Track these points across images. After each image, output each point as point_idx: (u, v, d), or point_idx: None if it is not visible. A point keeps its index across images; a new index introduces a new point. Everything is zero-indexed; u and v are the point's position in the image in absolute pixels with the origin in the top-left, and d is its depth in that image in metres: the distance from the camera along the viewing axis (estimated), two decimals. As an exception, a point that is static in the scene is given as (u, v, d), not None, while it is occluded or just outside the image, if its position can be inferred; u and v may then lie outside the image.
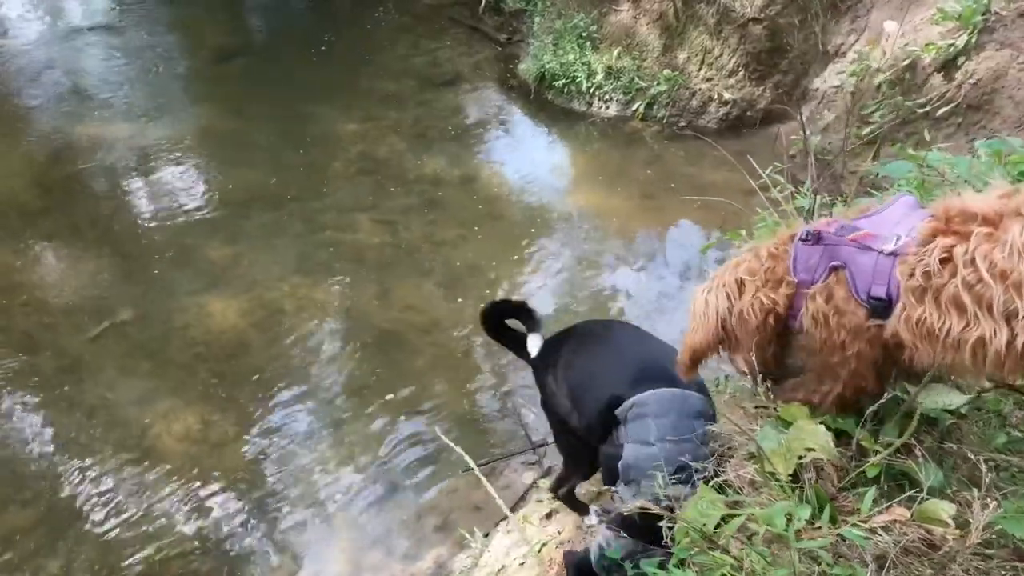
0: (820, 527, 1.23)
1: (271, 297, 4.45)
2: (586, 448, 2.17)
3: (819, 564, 1.18)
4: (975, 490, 1.28)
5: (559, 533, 2.39)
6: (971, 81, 4.43)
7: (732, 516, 1.32)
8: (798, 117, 4.46)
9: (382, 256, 4.80)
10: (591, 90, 6.52)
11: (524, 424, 3.52)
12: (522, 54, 7.33)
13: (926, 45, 4.67)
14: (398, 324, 4.26)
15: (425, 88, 6.98)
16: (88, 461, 3.55)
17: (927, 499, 1.29)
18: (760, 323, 1.55)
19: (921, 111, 4.64)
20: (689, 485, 1.65)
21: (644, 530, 1.71)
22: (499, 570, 2.42)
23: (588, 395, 2.09)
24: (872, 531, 1.24)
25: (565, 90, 6.62)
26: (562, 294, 4.53)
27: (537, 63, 6.74)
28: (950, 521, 1.24)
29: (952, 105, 4.50)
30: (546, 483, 2.73)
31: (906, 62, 4.76)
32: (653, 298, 4.57)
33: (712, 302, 1.62)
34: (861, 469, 1.39)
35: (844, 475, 1.45)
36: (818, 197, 3.55)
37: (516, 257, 4.83)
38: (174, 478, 3.45)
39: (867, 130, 4.86)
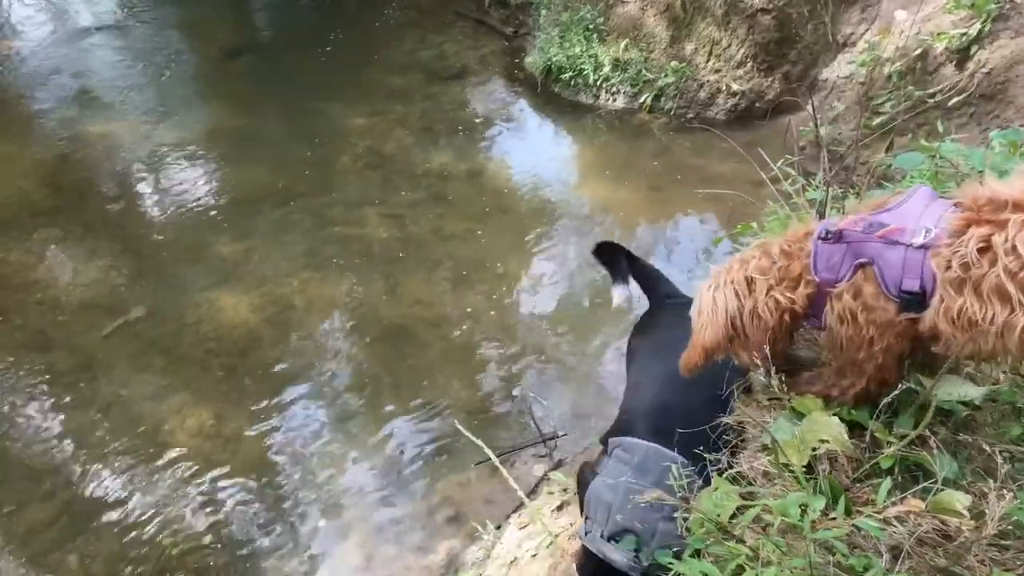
0: (835, 518, 1.23)
1: (281, 292, 4.47)
2: None
3: (834, 555, 1.19)
4: (990, 481, 1.28)
5: (571, 525, 2.40)
6: (984, 70, 4.38)
7: (747, 507, 1.32)
8: (808, 108, 4.44)
9: (390, 250, 4.81)
10: (598, 82, 6.50)
11: (534, 417, 3.53)
12: (528, 47, 7.31)
13: (938, 34, 4.62)
14: (407, 318, 4.28)
15: (432, 82, 6.98)
16: (104, 457, 3.59)
17: (942, 490, 1.29)
18: (776, 322, 1.54)
19: (933, 101, 4.60)
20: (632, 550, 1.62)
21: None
22: (511, 562, 2.43)
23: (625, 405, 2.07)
24: (887, 522, 1.24)
25: (572, 83, 6.60)
26: (570, 288, 4.52)
27: (544, 56, 6.72)
28: (965, 512, 1.24)
29: (965, 95, 4.45)
30: (557, 475, 2.74)
31: (917, 51, 4.71)
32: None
33: (721, 300, 1.60)
34: (875, 461, 1.39)
35: (858, 466, 1.45)
36: (830, 189, 3.54)
37: (524, 251, 4.83)
38: (188, 473, 3.48)
39: (877, 121, 4.82)
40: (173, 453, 3.57)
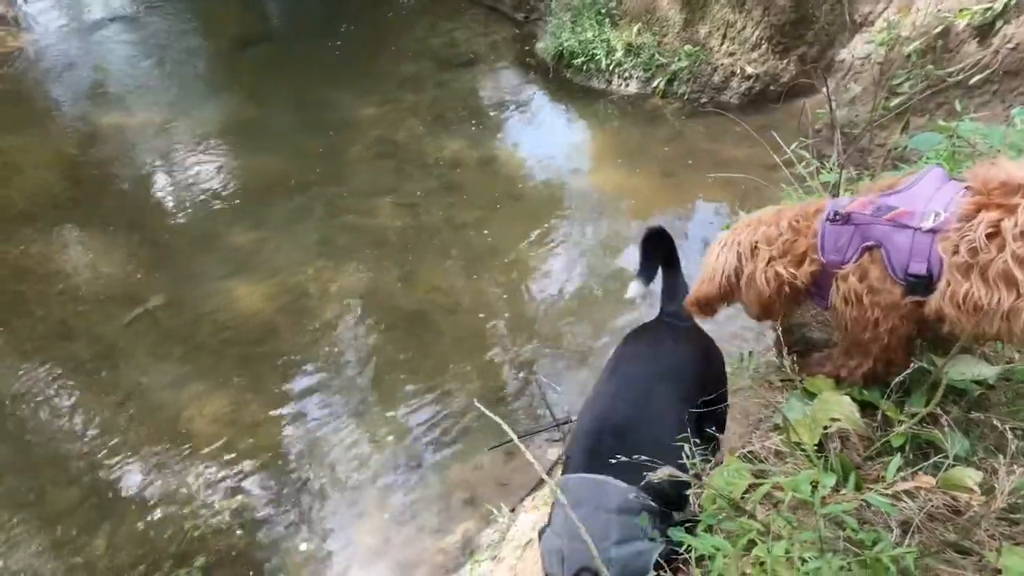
0: (845, 494, 1.24)
1: (295, 281, 4.51)
2: None
3: (844, 529, 1.19)
4: (1001, 457, 1.27)
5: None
6: (1010, 46, 4.27)
7: (758, 484, 1.33)
8: (824, 89, 4.37)
9: (404, 239, 4.84)
10: (610, 67, 6.45)
11: (547, 402, 3.55)
12: (540, 33, 7.28)
13: (961, 10, 4.51)
14: (421, 305, 4.30)
15: (443, 70, 6.98)
16: (126, 443, 3.66)
17: (953, 467, 1.28)
18: (773, 292, 1.56)
19: (953, 80, 4.50)
20: None
21: None
22: (526, 543, 2.46)
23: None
24: (897, 498, 1.24)
25: (584, 68, 6.57)
26: (582, 275, 4.52)
27: (555, 41, 6.68)
28: (975, 487, 1.24)
29: (987, 72, 4.36)
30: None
31: (938, 29, 4.61)
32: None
33: (722, 260, 1.64)
34: (886, 439, 1.38)
35: (869, 445, 1.45)
36: (844, 172, 3.50)
37: (536, 238, 4.84)
38: (208, 459, 3.54)
39: (896, 101, 4.73)
40: (193, 439, 3.64)
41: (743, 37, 6.08)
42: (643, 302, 2.71)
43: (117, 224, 5.20)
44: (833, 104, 4.45)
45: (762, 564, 1.15)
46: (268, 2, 9.25)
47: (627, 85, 6.47)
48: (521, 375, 3.80)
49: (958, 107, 4.34)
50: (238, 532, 3.22)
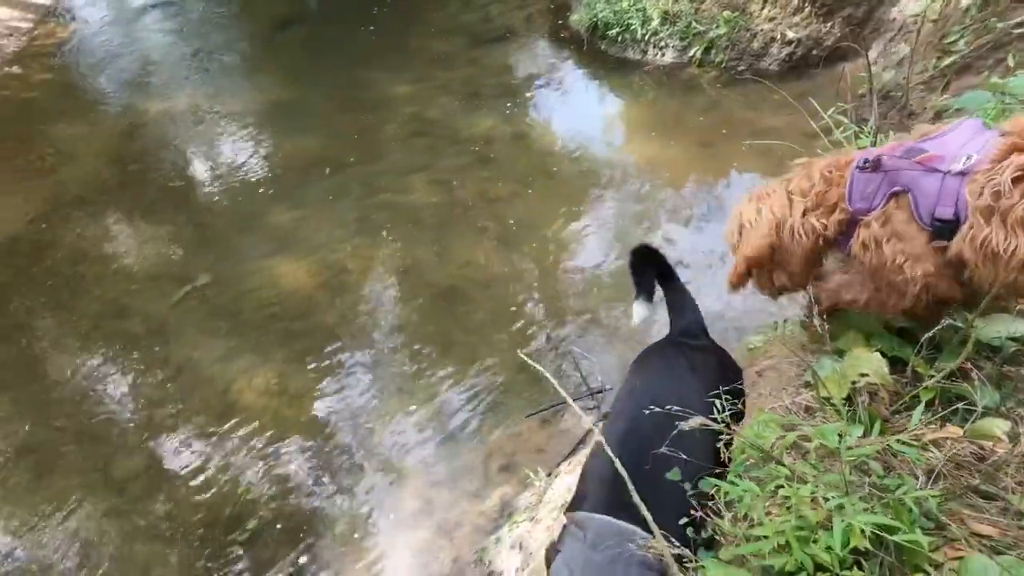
0: (871, 439, 1.25)
1: (335, 258, 4.63)
2: None
3: (869, 475, 1.21)
4: (1031, 407, 1.27)
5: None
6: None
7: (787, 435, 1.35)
8: (864, 53, 4.23)
9: (438, 215, 4.90)
10: (646, 37, 6.34)
11: (581, 372, 3.59)
12: (574, 4, 7.18)
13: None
14: (456, 280, 4.37)
15: (476, 46, 6.97)
16: (181, 414, 3.85)
17: (982, 417, 1.28)
18: (812, 244, 1.54)
19: (1019, 31, 4.21)
20: None
21: None
22: (562, 505, 2.52)
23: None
24: (924, 448, 1.25)
25: (619, 39, 6.47)
26: (617, 250, 4.50)
27: (590, 12, 6.59)
28: (1004, 436, 1.24)
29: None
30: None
31: (1001, -23, 4.34)
32: (711, 250, 4.48)
33: (766, 211, 1.59)
34: (914, 393, 1.39)
35: (898, 399, 1.46)
36: (882, 135, 3.41)
37: (570, 212, 4.84)
38: (256, 429, 3.70)
39: (948, 60, 4.49)
40: (241, 410, 3.80)
41: (785, 0, 5.90)
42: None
43: (163, 206, 5.40)
44: (872, 66, 4.28)
45: (788, 507, 1.18)
46: (303, -17, 9.35)
47: (663, 55, 6.36)
48: (555, 346, 3.85)
49: (1011, 61, 4.12)
50: (286, 498, 3.38)
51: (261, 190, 5.40)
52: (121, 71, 7.33)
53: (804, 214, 1.53)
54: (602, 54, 6.59)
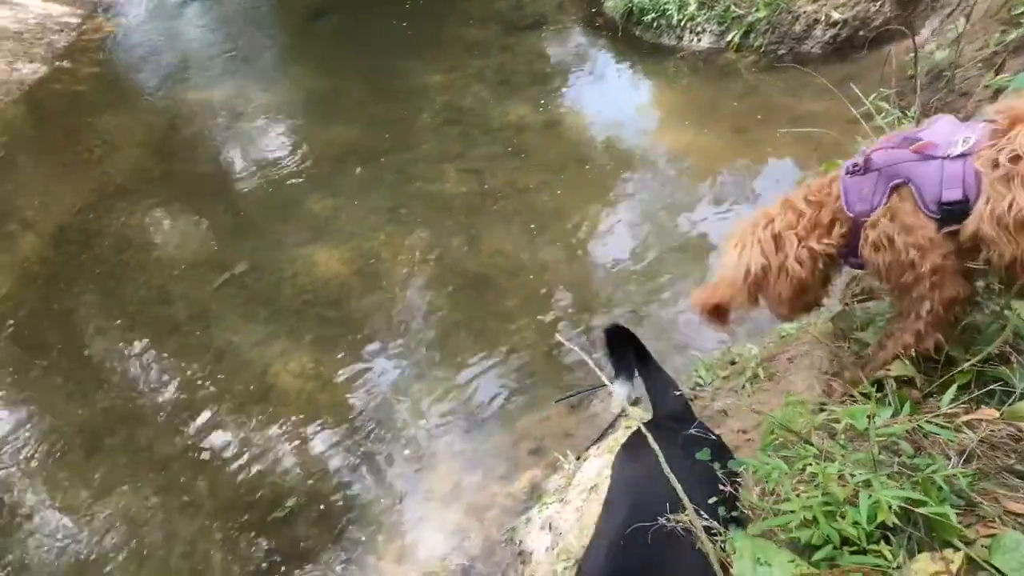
0: (900, 419, 1.24)
1: (369, 246, 4.70)
2: None
3: (899, 456, 1.20)
4: (1074, 391, 1.24)
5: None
6: None
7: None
8: (910, 33, 4.08)
9: (469, 203, 4.94)
10: (682, 22, 6.25)
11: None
12: (609, -10, 7.12)
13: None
14: (486, 268, 4.41)
15: (509, 33, 6.97)
16: (222, 396, 3.97)
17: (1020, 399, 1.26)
18: (809, 273, 1.53)
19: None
20: None
21: None
22: (591, 488, 2.54)
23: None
24: (957, 429, 1.23)
25: (654, 24, 6.39)
26: (647, 237, 4.47)
27: (625, -2, 6.53)
28: (1043, 418, 1.21)
29: None
30: (634, 411, 2.81)
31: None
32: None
33: (746, 258, 1.59)
34: (948, 377, 1.36)
35: (930, 383, 1.43)
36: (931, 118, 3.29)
37: (601, 201, 4.83)
38: (293, 411, 3.80)
39: (1013, 36, 4.19)
40: (279, 393, 3.90)
41: (832, -21, 5.71)
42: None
43: (203, 196, 5.54)
44: (925, 45, 4.08)
45: (816, 485, 1.17)
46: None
47: (699, 40, 6.26)
48: (585, 332, 3.85)
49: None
50: (321, 478, 3.46)
51: (297, 179, 5.51)
52: (163, 64, 7.54)
53: (799, 244, 1.53)
54: (636, 40, 6.52)
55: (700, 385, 2.94)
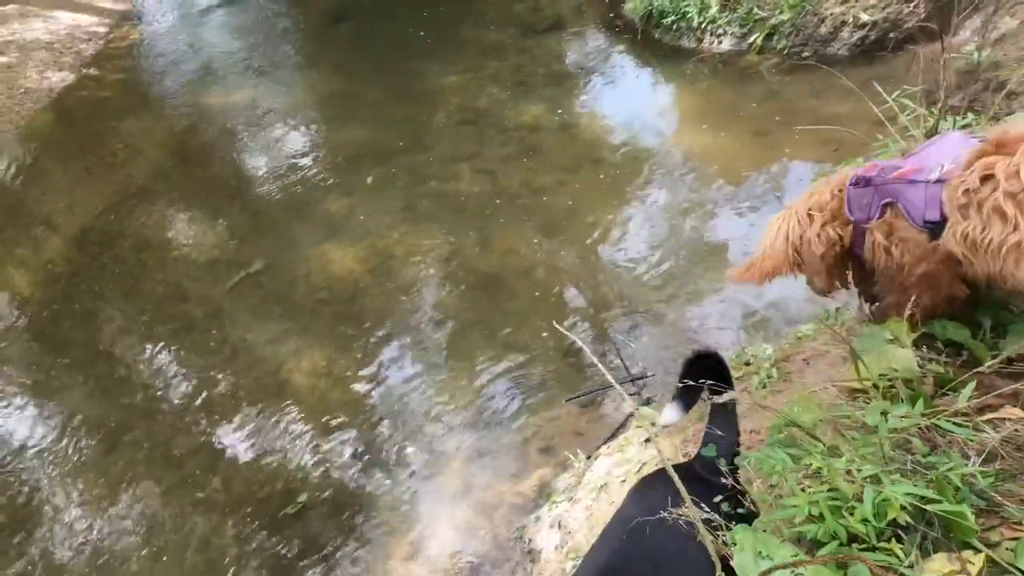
0: (911, 414, 1.19)
1: (383, 245, 4.71)
2: None
3: (913, 454, 1.15)
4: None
5: (659, 453, 2.42)
6: None
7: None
8: (939, 32, 3.97)
9: (483, 203, 4.93)
10: (703, 25, 6.17)
11: (623, 358, 3.55)
12: (629, -8, 7.08)
13: None
14: (499, 268, 4.39)
15: (526, 36, 6.96)
16: (236, 393, 4.00)
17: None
18: (826, 251, 1.72)
19: None
20: None
21: None
22: (601, 487, 2.51)
23: None
24: (977, 428, 1.18)
25: (674, 27, 6.32)
26: (665, 243, 4.40)
27: (644, 1, 6.48)
28: (1069, 418, 1.15)
29: None
30: (645, 410, 2.77)
31: None
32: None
33: (784, 228, 1.79)
34: (966, 376, 1.31)
35: (946, 383, 1.39)
36: (963, 117, 3.23)
37: (616, 202, 4.79)
38: (305, 408, 3.81)
39: None
40: (292, 391, 3.92)
41: (863, -20, 5.58)
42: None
43: (221, 196, 5.60)
44: (965, 45, 3.97)
45: (822, 480, 1.13)
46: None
47: (720, 43, 6.18)
48: (597, 331, 3.82)
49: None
50: (334, 475, 3.47)
51: (313, 180, 5.54)
52: (186, 70, 7.65)
53: (823, 225, 1.71)
54: (655, 43, 6.47)
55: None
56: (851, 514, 1.05)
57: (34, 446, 3.99)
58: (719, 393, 1.58)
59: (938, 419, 1.17)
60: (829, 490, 1.10)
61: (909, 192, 1.51)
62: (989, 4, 4.86)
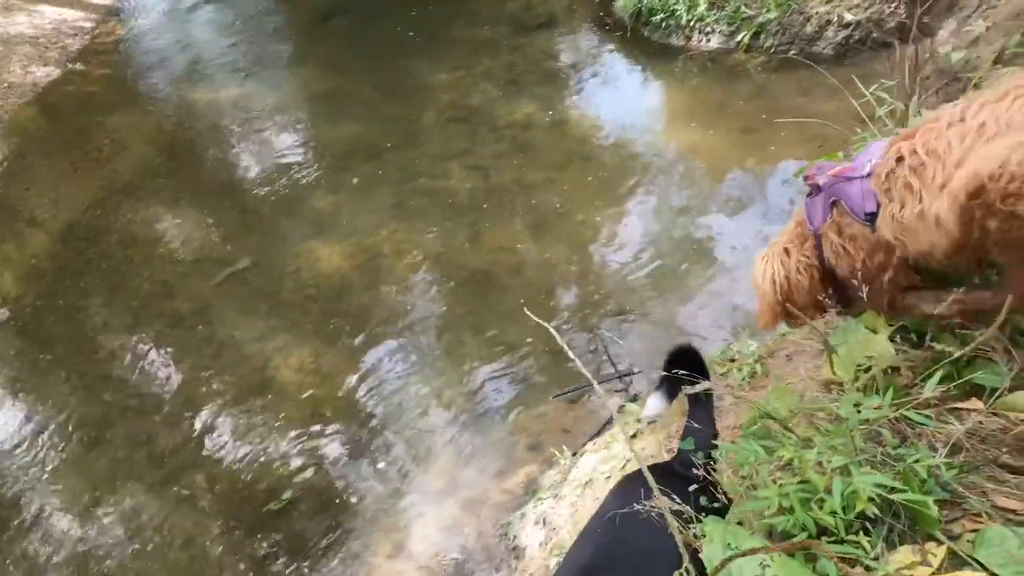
0: (881, 407, 1.20)
1: (371, 242, 4.70)
2: None
3: (883, 446, 1.16)
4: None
5: (643, 449, 2.44)
6: None
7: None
8: (915, 32, 4.01)
9: (473, 200, 4.92)
10: (691, 23, 6.19)
11: (610, 355, 3.56)
12: (620, -10, 7.09)
13: None
14: (489, 265, 4.39)
15: (518, 34, 6.95)
16: (222, 391, 3.99)
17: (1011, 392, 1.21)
18: (810, 280, 1.73)
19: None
20: None
21: None
22: (586, 483, 2.51)
23: None
24: (940, 419, 1.19)
25: (663, 25, 6.34)
26: (653, 238, 4.42)
27: (634, -1, 6.50)
28: (1035, 411, 1.17)
29: None
30: (632, 407, 2.77)
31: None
32: (754, 240, 4.32)
33: (768, 273, 1.81)
34: (932, 370, 1.31)
35: (918, 375, 1.39)
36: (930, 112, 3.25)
37: (606, 200, 4.79)
38: (291, 406, 3.80)
39: None
40: (278, 388, 3.90)
41: (847, -20, 5.63)
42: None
43: (209, 192, 5.57)
44: (943, 45, 4.02)
45: (794, 473, 1.14)
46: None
47: (708, 40, 6.20)
48: (586, 329, 3.82)
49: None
50: (319, 472, 3.46)
51: (302, 177, 5.52)
52: (174, 65, 7.60)
53: (800, 256, 1.74)
54: (645, 40, 6.48)
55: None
56: (820, 506, 1.06)
57: (13, 443, 3.96)
58: (695, 384, 1.64)
59: (907, 410, 1.18)
60: (800, 482, 1.11)
61: (848, 189, 1.58)
62: (965, 7, 4.93)
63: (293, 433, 3.66)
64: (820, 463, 1.11)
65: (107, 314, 4.66)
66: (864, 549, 1.03)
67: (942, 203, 1.30)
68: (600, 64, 6.49)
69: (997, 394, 1.21)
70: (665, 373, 1.79)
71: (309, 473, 3.45)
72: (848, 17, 5.65)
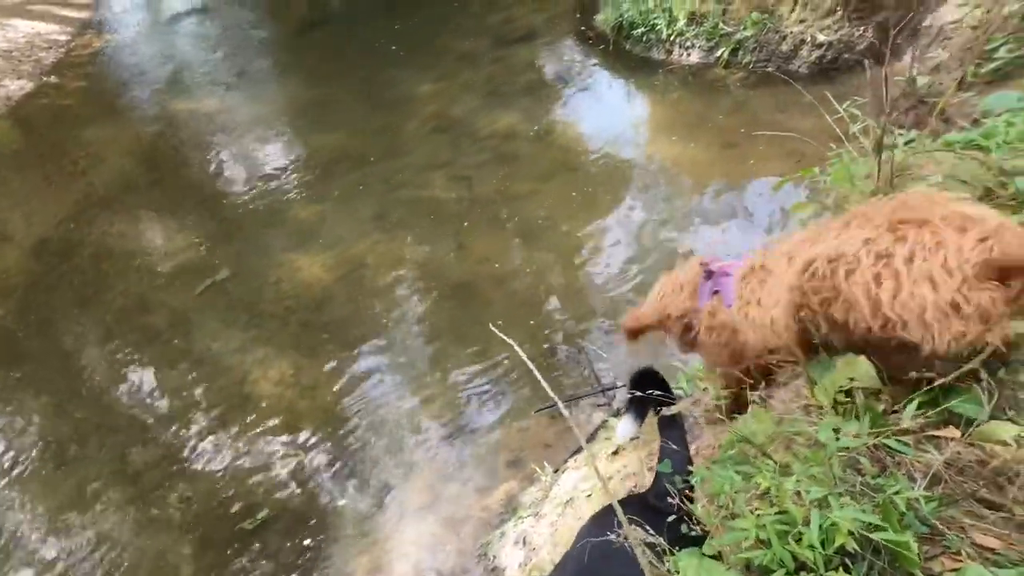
0: (860, 435, 1.20)
1: (354, 252, 4.66)
2: None
3: (863, 475, 1.15)
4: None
5: (624, 467, 2.42)
6: None
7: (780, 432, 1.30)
8: (887, 60, 4.09)
9: (457, 211, 4.91)
10: (671, 37, 6.27)
11: (594, 369, 3.55)
12: (600, 4, 7.15)
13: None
14: (473, 275, 4.37)
15: (499, 46, 6.98)
16: (198, 405, 3.91)
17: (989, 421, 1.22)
18: (680, 321, 2.02)
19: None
20: None
21: None
22: (567, 501, 2.49)
23: None
24: (922, 449, 1.19)
25: (644, 39, 6.41)
26: (634, 250, 4.43)
27: (615, 12, 6.55)
28: (1011, 441, 1.17)
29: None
30: (614, 421, 2.76)
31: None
32: (734, 254, 4.34)
33: (661, 291, 2.11)
34: (915, 396, 1.32)
35: (898, 400, 1.39)
36: (903, 131, 3.34)
37: (589, 211, 4.80)
38: (271, 420, 3.74)
39: (988, 68, 4.36)
40: (257, 401, 3.84)
41: (816, 3, 5.77)
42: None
43: (189, 203, 5.50)
44: (907, 71, 4.16)
45: (771, 502, 1.13)
46: (331, -15, 9.46)
47: (688, 55, 6.28)
48: (569, 343, 3.81)
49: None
50: (297, 488, 3.40)
51: (283, 186, 5.47)
52: (153, 77, 7.52)
53: (684, 299, 2.03)
54: (626, 54, 6.53)
55: (680, 397, 2.90)
56: (799, 540, 1.05)
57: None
58: (666, 406, 1.78)
59: (886, 438, 1.17)
60: (778, 512, 1.09)
61: (725, 283, 1.88)
62: (924, 36, 5.11)
63: (271, 449, 3.60)
64: (799, 493, 1.10)
65: (80, 330, 4.56)
66: (844, 586, 1.01)
67: (777, 310, 1.55)
68: (581, 76, 6.53)
69: (975, 424, 1.21)
70: (631, 395, 1.89)
71: (286, 489, 3.39)
72: (821, 38, 5.77)
